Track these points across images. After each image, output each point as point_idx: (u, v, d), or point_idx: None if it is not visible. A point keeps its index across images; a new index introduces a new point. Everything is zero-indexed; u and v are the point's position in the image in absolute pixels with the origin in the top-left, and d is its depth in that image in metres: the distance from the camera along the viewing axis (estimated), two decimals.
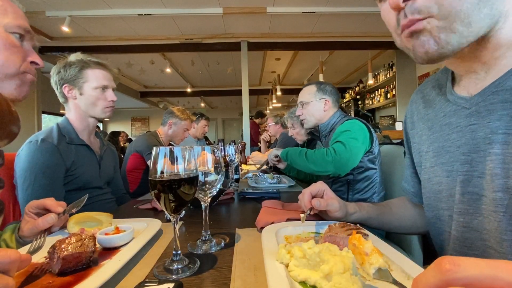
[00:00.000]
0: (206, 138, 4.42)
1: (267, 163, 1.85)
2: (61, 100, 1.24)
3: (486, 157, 0.47)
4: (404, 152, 1.38)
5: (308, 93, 1.64)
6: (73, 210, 0.73)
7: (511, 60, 0.45)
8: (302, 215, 0.67)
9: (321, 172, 1.35)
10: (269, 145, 3.53)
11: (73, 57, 1.21)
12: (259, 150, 3.73)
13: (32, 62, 0.77)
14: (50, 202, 0.71)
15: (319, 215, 0.77)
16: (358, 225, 0.61)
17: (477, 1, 0.41)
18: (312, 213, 0.71)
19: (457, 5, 0.41)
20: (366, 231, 0.58)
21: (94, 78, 1.20)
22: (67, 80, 1.18)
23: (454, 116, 0.55)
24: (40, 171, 1.04)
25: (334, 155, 1.31)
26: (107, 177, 1.32)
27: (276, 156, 1.69)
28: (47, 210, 0.71)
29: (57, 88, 1.21)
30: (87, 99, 1.20)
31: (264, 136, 3.49)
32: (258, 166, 2.07)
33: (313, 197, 0.75)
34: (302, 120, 1.71)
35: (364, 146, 1.38)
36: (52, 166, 1.07)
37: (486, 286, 0.21)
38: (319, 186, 0.76)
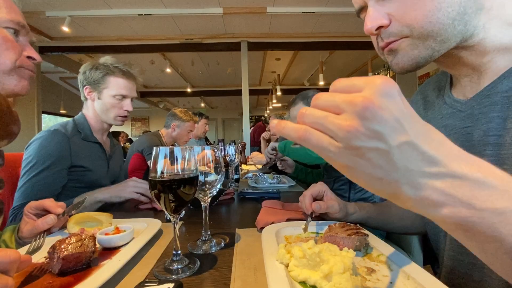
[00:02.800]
0: (206, 139, 4.42)
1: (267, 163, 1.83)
2: (82, 97, 1.26)
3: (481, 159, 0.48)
4: None
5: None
6: (73, 212, 0.73)
7: (502, 63, 0.46)
8: (303, 226, 0.66)
9: (322, 159, 1.33)
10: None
11: (102, 60, 1.23)
12: (259, 150, 3.73)
13: (28, 57, 0.75)
14: (49, 203, 0.71)
15: (320, 215, 0.77)
16: (358, 225, 0.61)
17: (451, 21, 0.42)
18: (313, 216, 0.71)
19: (428, 27, 0.43)
20: (366, 231, 0.58)
21: (115, 86, 1.22)
22: (89, 82, 1.21)
23: (450, 118, 0.55)
24: (43, 158, 1.04)
25: None
26: (113, 177, 1.33)
27: (274, 149, 1.66)
28: (46, 211, 0.71)
29: (80, 87, 1.24)
30: (103, 104, 1.22)
31: (264, 134, 3.48)
32: (259, 166, 2.06)
33: (314, 199, 0.75)
34: None
35: None
36: (57, 157, 1.07)
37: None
38: (319, 187, 0.76)
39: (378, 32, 0.48)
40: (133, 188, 1.08)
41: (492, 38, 0.45)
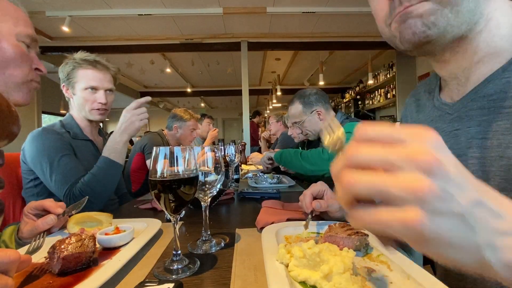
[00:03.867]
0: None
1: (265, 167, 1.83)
2: (66, 98, 1.25)
3: (468, 161, 0.49)
4: None
5: (298, 113, 1.60)
6: (73, 212, 0.73)
7: (488, 67, 0.47)
8: (304, 223, 0.66)
9: (316, 171, 1.31)
10: (269, 145, 3.53)
11: (74, 55, 1.22)
12: (259, 150, 3.73)
13: (36, 69, 0.78)
14: (49, 203, 0.71)
15: (320, 215, 0.77)
16: None
17: None
18: (313, 215, 0.71)
19: None
20: (366, 231, 0.58)
21: (84, 78, 1.19)
22: (63, 79, 1.20)
23: (439, 121, 0.56)
24: (52, 150, 1.06)
25: (331, 153, 1.28)
26: None
27: (270, 159, 1.67)
28: (46, 211, 0.71)
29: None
30: (77, 99, 1.20)
31: (264, 134, 3.48)
32: (259, 166, 2.06)
33: (314, 198, 0.75)
34: (305, 135, 1.68)
35: None
36: (60, 144, 1.09)
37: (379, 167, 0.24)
38: (320, 186, 0.76)
39: None
40: (136, 116, 1.13)
41: (485, 36, 0.45)
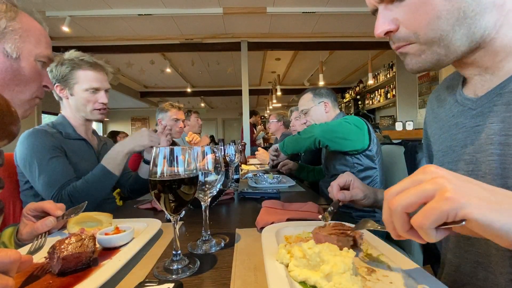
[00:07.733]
0: (212, 138, 4.36)
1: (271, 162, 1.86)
2: (56, 97, 1.23)
3: (488, 158, 0.48)
4: (404, 152, 1.40)
5: (307, 101, 1.74)
6: (72, 216, 0.73)
7: None
8: (323, 215, 0.69)
9: (307, 137, 1.41)
10: (269, 144, 3.54)
11: (67, 55, 1.19)
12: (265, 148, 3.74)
13: (44, 86, 0.82)
14: (49, 205, 0.71)
15: (348, 204, 0.80)
16: (350, 225, 0.61)
17: (450, 27, 0.44)
18: (341, 204, 0.76)
19: (431, 33, 0.45)
20: (352, 233, 0.57)
21: (85, 80, 1.17)
22: (58, 79, 1.17)
23: (461, 116, 0.56)
24: (42, 152, 1.04)
25: (323, 123, 1.43)
26: None
27: (276, 150, 1.73)
28: (45, 213, 0.71)
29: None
30: (77, 100, 1.18)
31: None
32: (259, 166, 2.07)
33: (342, 188, 0.79)
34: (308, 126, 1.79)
35: (361, 133, 1.41)
36: (52, 146, 1.07)
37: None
38: (346, 177, 0.80)
39: (387, 36, 0.51)
40: (150, 137, 1.15)
41: (503, 37, 0.45)
